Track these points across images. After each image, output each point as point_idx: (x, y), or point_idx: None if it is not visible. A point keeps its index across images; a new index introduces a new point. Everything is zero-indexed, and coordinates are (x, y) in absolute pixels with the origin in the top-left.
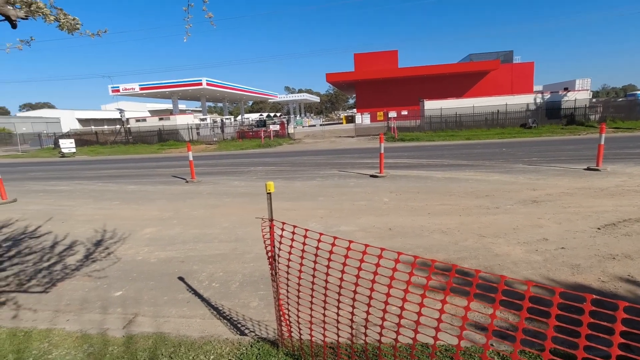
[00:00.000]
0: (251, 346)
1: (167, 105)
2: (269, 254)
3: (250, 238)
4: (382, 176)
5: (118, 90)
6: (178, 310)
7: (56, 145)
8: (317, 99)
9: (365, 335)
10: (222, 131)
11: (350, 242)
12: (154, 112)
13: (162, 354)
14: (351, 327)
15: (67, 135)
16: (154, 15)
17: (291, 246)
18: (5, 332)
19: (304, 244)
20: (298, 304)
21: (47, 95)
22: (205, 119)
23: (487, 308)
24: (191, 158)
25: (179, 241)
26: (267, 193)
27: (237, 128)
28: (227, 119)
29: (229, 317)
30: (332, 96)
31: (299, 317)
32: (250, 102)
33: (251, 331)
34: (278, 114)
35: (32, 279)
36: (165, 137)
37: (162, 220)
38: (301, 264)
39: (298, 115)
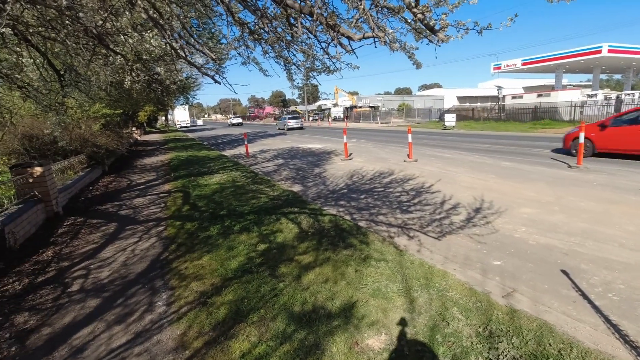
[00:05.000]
0: None
1: (543, 81)
2: None
3: None
4: None
5: (499, 68)
6: (560, 305)
7: (440, 118)
8: None
9: None
10: (618, 110)
11: None
12: (527, 89)
13: (550, 344)
14: None
15: (449, 111)
16: None
17: None
18: (417, 261)
19: None
20: None
21: (438, 77)
22: (595, 94)
23: None
24: (582, 140)
25: (561, 231)
26: None
27: None
28: (629, 94)
29: (634, 345)
30: None
31: None
32: None
33: None
34: None
35: (429, 225)
36: (541, 115)
37: (540, 203)
38: None
39: None
